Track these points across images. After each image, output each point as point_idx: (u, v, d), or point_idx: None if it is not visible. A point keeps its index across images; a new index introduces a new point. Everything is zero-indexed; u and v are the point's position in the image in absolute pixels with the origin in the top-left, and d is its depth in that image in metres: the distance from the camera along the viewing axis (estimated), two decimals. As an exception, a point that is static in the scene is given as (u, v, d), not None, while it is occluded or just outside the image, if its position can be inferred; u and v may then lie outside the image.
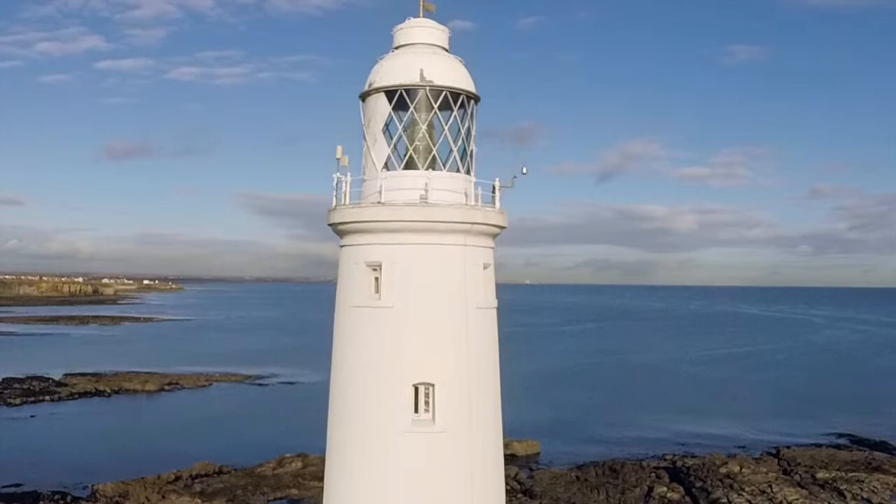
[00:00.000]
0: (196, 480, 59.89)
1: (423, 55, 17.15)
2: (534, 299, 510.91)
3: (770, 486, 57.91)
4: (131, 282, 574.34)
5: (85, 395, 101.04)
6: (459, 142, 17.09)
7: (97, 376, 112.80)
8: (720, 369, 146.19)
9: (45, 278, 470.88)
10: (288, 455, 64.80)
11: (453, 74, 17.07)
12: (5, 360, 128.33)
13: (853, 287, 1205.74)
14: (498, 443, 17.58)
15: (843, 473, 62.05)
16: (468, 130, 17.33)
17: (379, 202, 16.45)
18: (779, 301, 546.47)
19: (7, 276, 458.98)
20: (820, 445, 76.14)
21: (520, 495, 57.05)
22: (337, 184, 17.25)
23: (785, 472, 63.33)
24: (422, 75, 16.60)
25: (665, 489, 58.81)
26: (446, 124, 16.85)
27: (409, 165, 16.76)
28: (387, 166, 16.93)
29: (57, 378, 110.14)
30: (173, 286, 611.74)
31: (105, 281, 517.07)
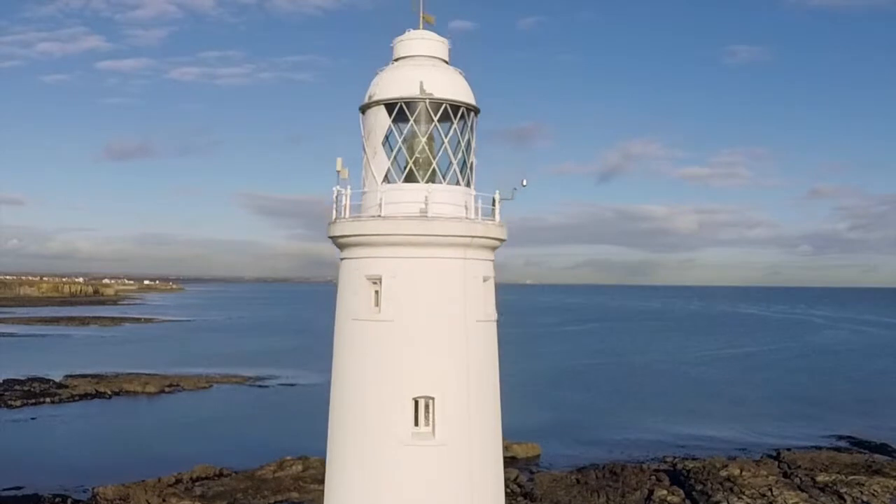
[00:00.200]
0: (196, 483, 59.92)
1: (423, 67, 17.11)
2: (534, 299, 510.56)
3: (770, 489, 57.92)
4: (132, 282, 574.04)
5: (85, 396, 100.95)
6: (459, 154, 17.06)
7: (98, 378, 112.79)
8: (720, 370, 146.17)
9: (45, 278, 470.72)
10: (289, 458, 64.75)
11: (453, 87, 17.04)
12: (6, 362, 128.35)
13: (853, 287, 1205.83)
14: (498, 456, 17.56)
15: (844, 476, 62.00)
16: (468, 143, 17.30)
17: (379, 215, 16.44)
18: (779, 301, 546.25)
19: (7, 277, 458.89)
20: (820, 448, 76.03)
21: (520, 498, 57.05)
22: (337, 196, 17.22)
23: (785, 475, 63.28)
24: (422, 88, 16.56)
25: (665, 492, 58.84)
26: (446, 137, 16.82)
27: (409, 178, 16.73)
28: (387, 179, 16.90)
29: (57, 380, 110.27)
30: (174, 286, 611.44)
31: (105, 281, 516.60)
